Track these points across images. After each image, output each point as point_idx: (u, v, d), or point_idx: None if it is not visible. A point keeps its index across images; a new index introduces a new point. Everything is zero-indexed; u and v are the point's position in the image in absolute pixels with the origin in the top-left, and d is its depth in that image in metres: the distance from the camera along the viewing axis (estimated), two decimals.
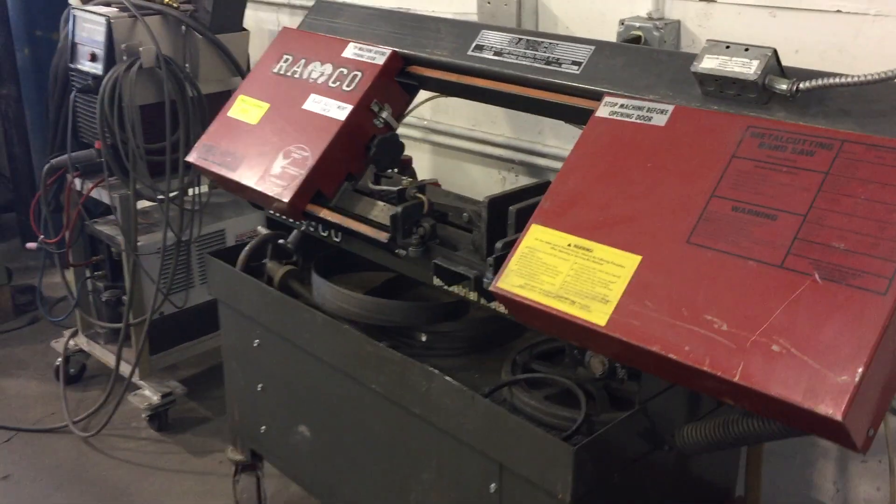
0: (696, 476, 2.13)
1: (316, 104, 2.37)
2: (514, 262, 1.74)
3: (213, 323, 2.98)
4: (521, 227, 1.87)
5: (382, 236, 2.08)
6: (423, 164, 3.31)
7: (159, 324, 3.59)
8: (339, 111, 2.30)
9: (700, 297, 1.49)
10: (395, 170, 2.44)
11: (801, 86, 1.60)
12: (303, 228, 2.38)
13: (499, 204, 1.94)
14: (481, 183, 3.19)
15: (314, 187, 2.27)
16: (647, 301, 1.54)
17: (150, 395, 3.57)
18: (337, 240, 2.37)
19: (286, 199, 2.22)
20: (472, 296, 2.07)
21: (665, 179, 1.67)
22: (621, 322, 1.55)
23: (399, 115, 2.40)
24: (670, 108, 1.76)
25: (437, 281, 2.11)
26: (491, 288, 1.75)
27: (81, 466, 3.45)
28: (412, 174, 2.77)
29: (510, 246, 1.81)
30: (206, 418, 3.74)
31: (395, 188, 2.11)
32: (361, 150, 2.32)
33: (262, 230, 2.59)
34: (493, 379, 2.17)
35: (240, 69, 3.58)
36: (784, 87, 1.62)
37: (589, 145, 1.82)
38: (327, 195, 2.31)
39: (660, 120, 1.76)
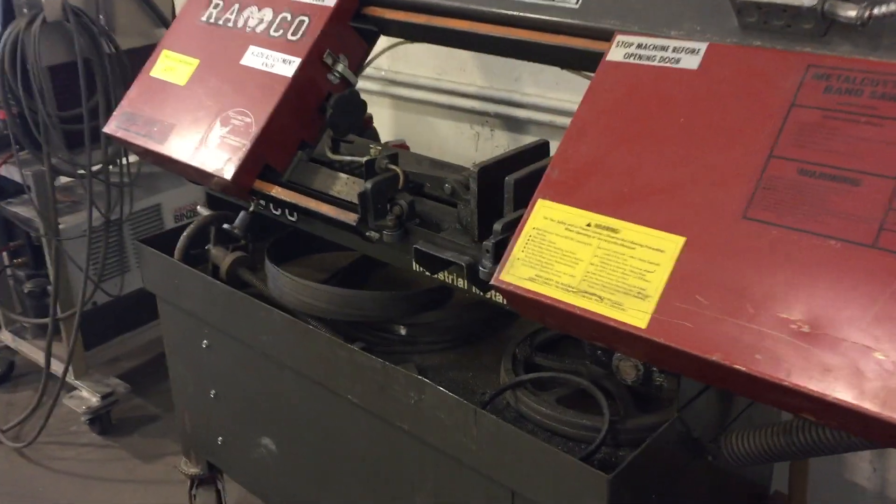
0: (731, 478, 1.86)
1: (256, 58, 1.99)
2: (521, 249, 1.42)
3: (154, 309, 2.61)
4: (521, 202, 1.54)
5: (350, 218, 1.73)
6: (383, 122, 2.95)
7: (92, 315, 3.21)
8: (286, 66, 1.92)
9: (768, 290, 1.19)
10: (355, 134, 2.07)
11: (876, 11, 1.27)
12: (251, 209, 2.01)
13: (491, 173, 1.60)
14: (452, 140, 2.85)
15: (261, 160, 1.91)
16: (698, 295, 1.23)
17: (88, 396, 3.21)
18: (292, 219, 2.01)
19: (229, 176, 1.86)
20: (460, 283, 1.74)
21: (706, 137, 1.35)
22: (666, 323, 1.24)
23: (357, 68, 2.04)
24: (703, 46, 1.43)
25: (417, 267, 1.77)
26: (493, 282, 1.42)
27: (15, 481, 3.09)
28: (374, 135, 2.42)
29: (512, 227, 1.48)
30: (154, 416, 3.39)
31: (361, 159, 1.76)
32: (315, 113, 1.96)
33: (203, 210, 2.22)
34: (489, 378, 1.86)
35: (164, 19, 3.14)
36: (852, 14, 1.30)
37: (602, 97, 1.48)
38: (278, 168, 1.95)
39: (690, 62, 1.43)
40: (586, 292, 1.34)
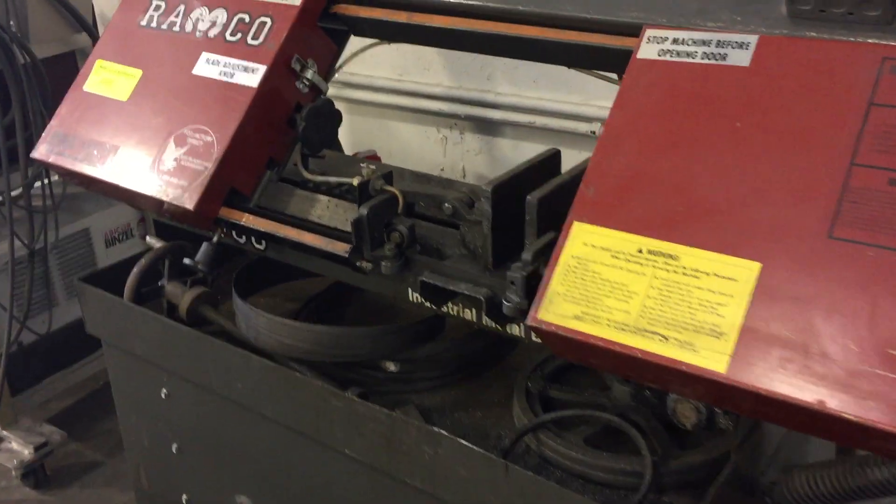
0: None
1: (212, 67, 1.75)
2: (559, 282, 1.23)
3: (87, 344, 2.34)
4: (546, 225, 1.36)
5: (341, 248, 1.52)
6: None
7: (18, 357, 2.89)
8: (248, 75, 1.69)
9: (870, 321, 1.03)
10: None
11: None
12: (215, 240, 1.77)
13: (505, 191, 1.41)
14: (416, 145, 2.64)
15: (227, 183, 1.67)
16: (785, 330, 1.07)
17: (19, 448, 2.89)
18: (259, 247, 1.78)
19: (191, 206, 1.62)
20: (468, 314, 1.55)
21: (770, 145, 1.18)
22: (750, 365, 1.07)
23: (326, 73, 1.82)
24: (752, 39, 1.27)
25: (415, 298, 1.58)
26: (530, 322, 1.23)
27: None
28: (339, 147, 2.20)
29: (543, 255, 1.29)
30: (95, 463, 3.08)
31: (346, 179, 1.54)
32: (284, 127, 1.73)
33: (154, 242, 1.96)
34: (501, 417, 1.68)
35: (84, 23, 2.84)
36: None
37: (638, 101, 1.31)
38: (245, 191, 1.71)
39: (740, 58, 1.26)
40: (646, 331, 1.16)
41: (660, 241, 1.20)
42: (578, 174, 1.45)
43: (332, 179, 1.65)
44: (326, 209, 1.66)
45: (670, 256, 1.19)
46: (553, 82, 2.29)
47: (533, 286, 1.29)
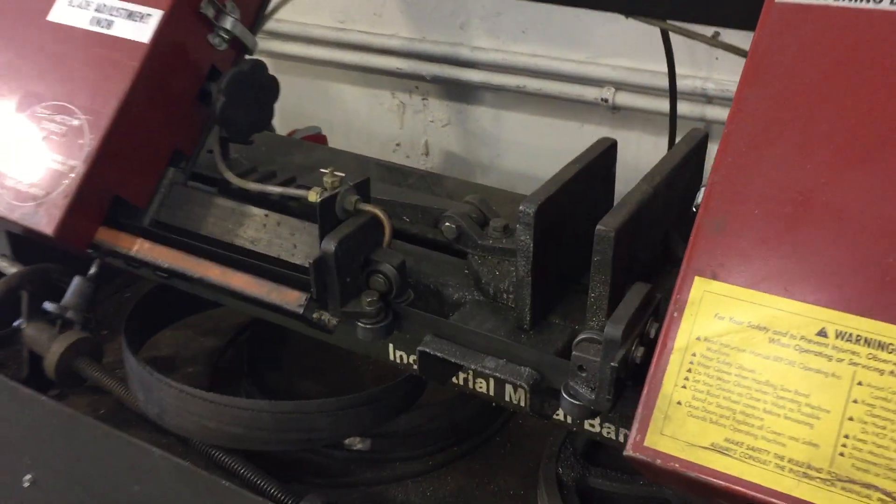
0: None
1: (78, 12, 1.18)
2: (678, 381, 0.74)
3: None
4: (625, 275, 0.86)
5: (291, 300, 0.99)
6: None
7: None
8: (136, 24, 1.14)
9: None
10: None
11: None
12: (92, 271, 1.21)
13: (551, 212, 0.90)
14: (364, 115, 2.10)
15: (106, 191, 1.13)
16: None
17: None
18: (163, 275, 1.23)
19: (49, 230, 1.06)
20: (480, 387, 1.06)
21: None
22: None
23: (253, 22, 1.27)
24: None
25: (397, 356, 1.08)
26: (632, 452, 0.75)
27: None
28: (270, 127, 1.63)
29: (634, 326, 0.80)
30: None
31: (301, 192, 1.01)
32: (192, 103, 1.18)
33: (8, 266, 1.38)
34: None
35: None
36: None
37: (786, 70, 0.81)
38: (135, 202, 1.16)
39: None
40: (853, 482, 0.68)
41: (858, 318, 0.72)
42: (665, 185, 0.96)
43: (273, 190, 1.10)
44: (263, 229, 1.12)
45: (880, 346, 0.70)
46: (549, 33, 1.78)
47: (615, 380, 0.80)
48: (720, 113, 1.66)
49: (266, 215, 1.14)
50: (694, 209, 0.95)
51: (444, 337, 0.98)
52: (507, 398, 1.08)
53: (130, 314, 1.41)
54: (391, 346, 1.15)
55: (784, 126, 0.80)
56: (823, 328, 0.73)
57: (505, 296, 1.02)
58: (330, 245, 0.93)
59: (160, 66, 1.15)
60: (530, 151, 1.93)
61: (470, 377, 1.10)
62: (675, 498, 1.19)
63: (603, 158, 1.06)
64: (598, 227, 0.88)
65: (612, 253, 0.89)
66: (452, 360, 0.95)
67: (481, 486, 1.29)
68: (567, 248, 1.02)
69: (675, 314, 0.78)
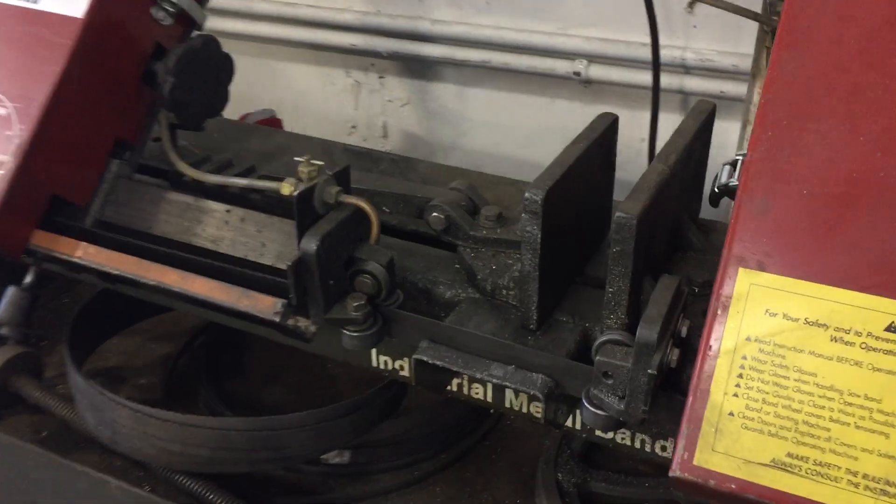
0: None
1: None
2: (728, 388, 0.65)
3: None
4: (644, 266, 0.77)
5: (265, 307, 0.87)
6: None
7: None
8: None
9: None
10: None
11: None
12: (28, 280, 1.08)
13: (557, 197, 0.80)
14: (315, 96, 1.98)
15: (41, 188, 0.99)
16: None
17: None
18: (109, 282, 1.10)
19: None
20: (477, 393, 0.97)
21: None
22: None
23: None
24: None
25: (381, 362, 0.98)
26: (680, 472, 0.65)
27: None
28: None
29: (668, 324, 0.70)
30: None
31: (271, 185, 0.90)
32: (136, 86, 1.05)
33: None
34: None
35: None
36: None
37: (830, 34, 0.72)
38: (74, 199, 1.03)
39: None
40: None
41: None
42: (681, 164, 0.86)
43: (237, 182, 0.98)
44: (225, 226, 0.99)
45: None
46: (515, 3, 1.68)
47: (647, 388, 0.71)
48: (699, 84, 1.58)
49: (228, 211, 1.01)
50: (717, 189, 0.86)
51: (441, 342, 0.88)
52: (507, 404, 0.98)
53: (73, 323, 1.28)
54: (374, 351, 1.04)
55: (830, 94, 0.71)
56: (893, 322, 0.64)
57: (505, 292, 0.92)
58: (311, 244, 0.81)
59: (97, 44, 1.01)
60: (496, 130, 1.83)
61: (465, 383, 1.00)
62: (686, 500, 1.11)
63: (605, 137, 0.96)
64: (617, 214, 0.79)
65: (633, 242, 0.79)
66: (454, 370, 0.85)
67: (474, 494, 1.19)
68: (571, 237, 0.93)
69: (720, 311, 0.69)
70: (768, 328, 0.67)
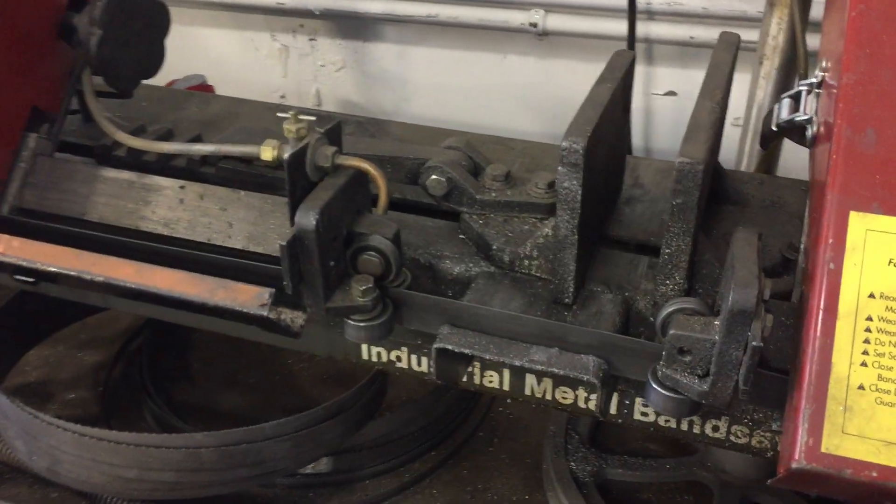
0: None
1: None
2: (853, 357, 0.53)
3: None
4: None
5: (249, 300, 0.70)
6: None
7: None
8: None
9: None
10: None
11: None
12: None
13: (595, 152, 0.68)
14: (240, 62, 1.80)
15: None
16: None
17: None
18: (30, 280, 0.92)
19: None
20: (491, 380, 0.84)
21: None
22: None
23: None
24: None
25: (372, 354, 0.84)
26: (803, 464, 0.53)
27: None
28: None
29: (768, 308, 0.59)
30: None
31: (246, 150, 0.73)
32: (51, 42, 0.86)
33: None
34: None
35: None
36: None
37: None
38: None
39: None
40: None
41: None
42: (725, 101, 0.75)
43: (201, 149, 0.80)
44: (180, 206, 0.83)
45: None
46: None
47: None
48: (666, 31, 1.47)
49: (182, 187, 0.84)
50: (776, 127, 0.75)
51: (464, 326, 0.74)
52: (528, 391, 0.86)
53: None
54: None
55: None
56: None
57: (527, 262, 0.79)
58: (309, 218, 0.66)
59: None
60: (444, 92, 1.69)
61: (476, 371, 0.87)
62: (714, 481, 1.01)
63: (626, 77, 0.84)
64: (679, 160, 0.66)
65: (697, 193, 0.67)
66: (487, 357, 0.71)
67: (476, 494, 1.06)
68: (600, 194, 0.80)
69: (831, 265, 0.57)
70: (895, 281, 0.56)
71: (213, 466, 0.90)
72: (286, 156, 0.65)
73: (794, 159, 1.28)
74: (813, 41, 1.09)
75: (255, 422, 0.93)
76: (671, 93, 1.57)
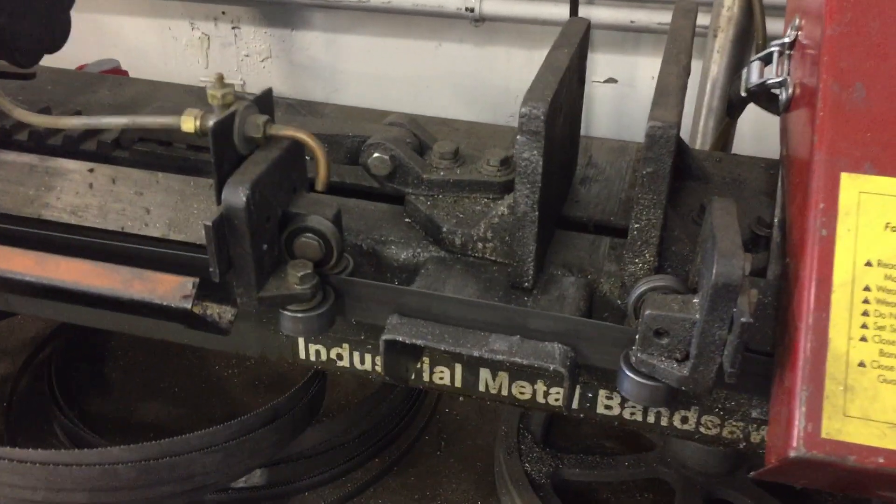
0: None
1: None
2: (852, 334, 0.48)
3: None
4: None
5: (170, 291, 0.62)
6: None
7: None
8: None
9: None
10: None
11: None
12: None
13: (553, 119, 0.62)
14: (157, 53, 1.69)
15: None
16: None
17: None
18: None
19: None
20: (444, 377, 0.77)
21: None
22: None
23: None
24: None
25: (310, 352, 0.77)
26: (802, 452, 0.47)
27: None
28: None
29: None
30: None
31: (163, 120, 0.65)
32: None
33: None
34: None
35: None
36: None
37: None
38: None
39: None
40: None
41: None
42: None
43: (113, 122, 0.71)
44: (89, 191, 0.74)
45: None
46: None
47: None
48: (607, 14, 1.43)
49: (91, 170, 0.75)
50: (744, 93, 0.70)
51: (413, 315, 0.67)
52: (482, 387, 0.79)
53: None
54: (300, 340, 0.81)
55: None
56: None
57: (481, 245, 0.72)
58: (238, 194, 0.58)
59: None
60: (376, 81, 1.62)
61: (425, 367, 0.80)
62: (675, 478, 0.96)
63: (582, 45, 0.78)
64: (651, 124, 0.61)
65: (670, 160, 0.62)
66: (442, 348, 0.64)
67: (424, 501, 0.99)
68: (559, 170, 0.74)
69: (823, 231, 0.52)
70: (894, 247, 0.51)
71: (133, 484, 0.81)
72: (210, 124, 0.58)
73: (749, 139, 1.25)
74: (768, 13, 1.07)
75: (179, 433, 0.84)
76: (611, 80, 1.53)
